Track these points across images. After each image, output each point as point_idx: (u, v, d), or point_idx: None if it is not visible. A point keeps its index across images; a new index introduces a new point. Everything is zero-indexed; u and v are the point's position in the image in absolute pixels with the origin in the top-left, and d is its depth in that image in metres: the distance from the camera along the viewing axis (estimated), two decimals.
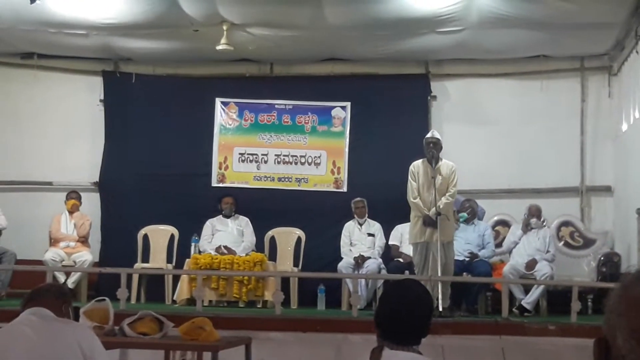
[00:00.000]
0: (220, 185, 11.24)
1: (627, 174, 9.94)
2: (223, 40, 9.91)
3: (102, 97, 11.39)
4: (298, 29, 9.96)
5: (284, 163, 11.28)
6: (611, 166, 10.71)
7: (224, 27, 9.82)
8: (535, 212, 9.83)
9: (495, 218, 10.55)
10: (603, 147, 10.80)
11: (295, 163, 11.27)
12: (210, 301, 9.71)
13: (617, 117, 10.36)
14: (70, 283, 9.79)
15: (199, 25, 9.78)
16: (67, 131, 11.35)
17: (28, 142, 11.26)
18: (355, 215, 10.51)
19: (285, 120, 11.32)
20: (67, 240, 10.24)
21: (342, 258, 10.21)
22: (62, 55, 11.10)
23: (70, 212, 10.43)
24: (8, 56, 11.21)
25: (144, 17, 9.55)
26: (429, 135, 9.15)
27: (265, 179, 11.27)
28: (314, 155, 11.26)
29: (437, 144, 9.02)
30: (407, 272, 9.45)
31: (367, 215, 10.50)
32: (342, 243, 10.39)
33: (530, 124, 10.94)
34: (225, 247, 10.22)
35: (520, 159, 10.88)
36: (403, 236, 9.98)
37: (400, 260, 9.97)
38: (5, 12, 9.34)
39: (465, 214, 9.95)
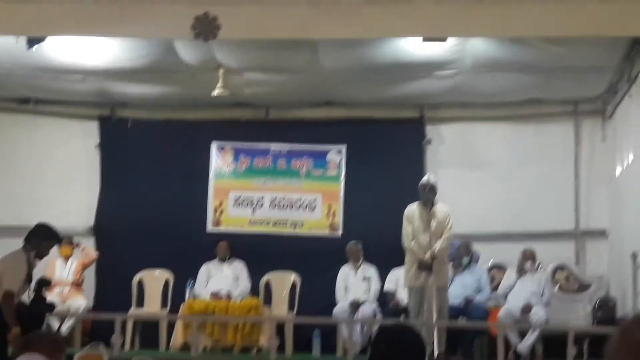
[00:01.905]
0: (216, 229, 11.25)
1: (622, 218, 9.96)
2: (219, 85, 9.97)
3: (98, 142, 11.43)
4: (294, 73, 10.05)
5: (279, 207, 11.28)
6: (606, 210, 10.72)
7: (220, 72, 9.87)
8: (529, 256, 9.83)
9: (491, 262, 10.53)
10: (597, 191, 10.83)
11: (291, 207, 11.27)
12: (205, 347, 9.66)
13: (611, 161, 10.40)
14: (64, 329, 9.75)
15: (195, 70, 9.83)
16: (63, 176, 11.35)
17: (24, 187, 11.25)
18: (350, 260, 10.50)
19: (280, 164, 11.35)
20: (62, 285, 10.21)
21: (337, 303, 10.19)
22: (59, 100, 11.16)
23: (65, 258, 10.42)
24: (5, 101, 11.22)
25: (141, 62, 9.61)
26: (424, 179, 9.20)
27: (260, 223, 11.26)
28: (309, 199, 11.27)
29: (432, 189, 9.08)
30: (402, 316, 9.43)
31: (362, 259, 10.49)
32: (337, 287, 10.37)
33: (525, 168, 10.99)
34: (220, 294, 10.20)
35: (515, 203, 10.89)
36: (399, 280, 9.96)
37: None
38: (2, 57, 9.38)
39: (467, 259, 9.96)
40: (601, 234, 10.79)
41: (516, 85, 10.21)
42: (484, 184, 11.01)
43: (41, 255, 7.62)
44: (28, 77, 10.12)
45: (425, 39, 8.43)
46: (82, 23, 8.18)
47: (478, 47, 9.06)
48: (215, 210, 11.30)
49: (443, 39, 8.54)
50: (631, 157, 9.40)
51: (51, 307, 8.05)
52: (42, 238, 7.59)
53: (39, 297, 7.60)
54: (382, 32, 8.54)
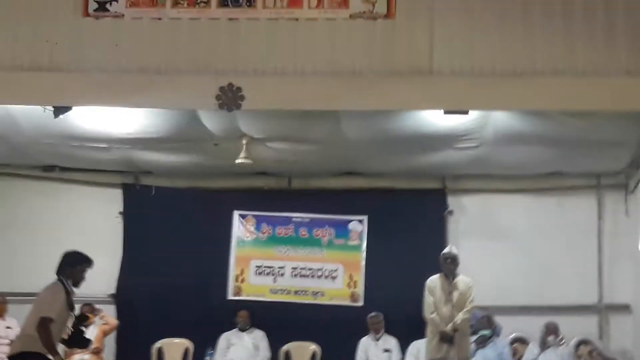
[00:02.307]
0: (236, 298, 11.23)
1: None
2: (242, 154, 10.01)
3: (121, 210, 11.51)
4: (316, 143, 10.09)
5: (300, 276, 11.29)
6: (630, 284, 10.61)
7: (244, 141, 9.93)
8: (552, 330, 9.73)
9: (513, 335, 10.42)
10: (621, 265, 10.75)
11: (312, 276, 11.27)
12: None
13: (635, 235, 10.34)
14: None
15: (219, 140, 9.91)
16: (85, 243, 11.05)
17: (46, 254, 11.23)
18: (371, 331, 10.42)
19: (302, 233, 11.37)
20: (82, 353, 10.17)
21: None
22: (84, 168, 11.26)
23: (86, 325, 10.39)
24: (30, 169, 11.35)
25: (165, 132, 9.69)
26: (446, 251, 9.18)
27: (281, 292, 11.26)
28: (330, 269, 11.27)
29: (454, 260, 9.07)
30: None
31: (383, 330, 10.42)
32: (357, 359, 10.28)
33: (547, 240, 10.95)
34: None
35: (537, 275, 10.84)
36: (420, 352, 9.89)
37: None
38: (28, 126, 9.49)
39: (488, 332, 9.86)
40: (625, 308, 10.68)
41: (538, 158, 10.20)
42: (506, 256, 10.98)
43: (77, 281, 7.58)
44: (54, 145, 10.22)
45: (446, 112, 8.50)
46: (108, 93, 8.27)
47: (500, 119, 9.07)
48: (236, 279, 11.31)
49: (464, 112, 8.60)
50: None
51: (88, 342, 7.98)
52: (74, 263, 7.58)
53: (77, 332, 7.55)
54: (403, 105, 8.59)
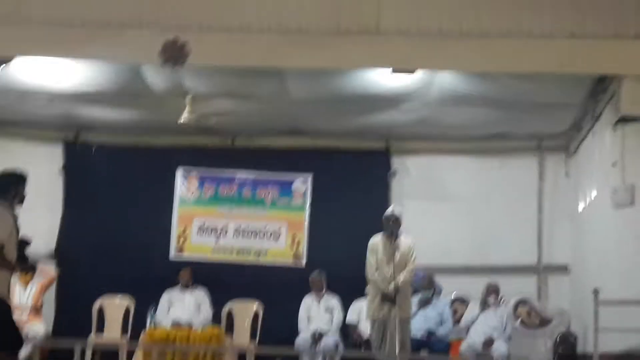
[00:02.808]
0: (179, 256, 11.18)
1: (584, 254, 10.05)
2: (186, 112, 9.95)
3: (62, 166, 11.35)
4: (261, 101, 10.03)
5: (243, 235, 11.25)
6: (568, 245, 10.81)
7: (187, 98, 9.85)
8: (493, 291, 9.88)
9: (454, 295, 10.54)
10: (560, 226, 10.92)
11: (255, 236, 11.25)
12: None
13: (574, 197, 10.51)
14: (22, 355, 9.58)
15: (163, 96, 9.79)
16: (26, 199, 11.19)
17: None
18: (313, 290, 10.46)
19: (246, 192, 11.34)
20: (20, 310, 10.04)
21: (300, 333, 10.14)
22: (23, 122, 11.03)
23: (25, 283, 10.27)
24: None
25: (107, 87, 9.56)
26: (388, 211, 9.14)
27: (224, 251, 11.23)
28: (273, 228, 11.26)
29: (397, 221, 9.01)
30: (364, 348, 9.40)
31: (325, 289, 10.46)
32: (300, 318, 10.33)
33: (489, 202, 11.08)
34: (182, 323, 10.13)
35: (478, 236, 10.98)
36: (362, 311, 9.94)
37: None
38: None
39: (429, 291, 10.00)
40: (563, 269, 10.86)
41: (482, 120, 10.28)
42: (448, 217, 11.08)
43: (22, 200, 7.40)
44: None
45: (394, 71, 8.51)
46: (51, 45, 8.21)
47: (445, 80, 9.12)
48: (179, 237, 11.25)
49: (411, 71, 8.62)
50: (594, 193, 9.49)
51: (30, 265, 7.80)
52: (18, 182, 7.38)
53: (22, 255, 7.40)
54: (350, 64, 8.62)
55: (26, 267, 7.63)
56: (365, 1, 8.09)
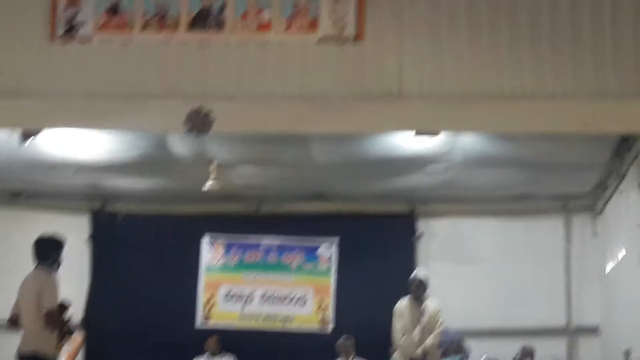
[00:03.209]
0: (206, 324, 11.15)
1: (614, 315, 9.92)
2: (211, 179, 9.99)
3: (89, 236, 11.43)
4: (285, 167, 10.08)
5: (269, 302, 11.25)
6: (598, 306, 10.69)
7: (212, 166, 9.89)
8: (528, 353, 9.74)
9: (483, 358, 10.40)
10: (589, 287, 10.82)
11: (281, 302, 11.23)
12: None
13: (602, 257, 10.42)
14: None
15: (188, 164, 9.84)
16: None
17: (12, 282, 11.10)
18: (341, 355, 10.36)
19: (271, 258, 11.33)
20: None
21: None
22: (51, 194, 11.14)
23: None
24: None
25: (133, 156, 9.62)
26: (413, 274, 9.19)
27: (250, 318, 11.21)
28: (300, 294, 11.24)
29: (422, 284, 9.06)
30: None
31: (354, 354, 10.38)
32: None
33: (516, 263, 11.01)
34: None
35: (506, 298, 10.88)
36: None
37: None
38: None
39: (459, 356, 9.87)
40: (593, 330, 10.72)
41: (506, 181, 10.28)
42: (475, 279, 11.02)
43: (59, 265, 7.48)
44: (20, 171, 10.12)
45: (417, 133, 8.51)
46: (76, 117, 8.17)
47: (468, 142, 9.11)
48: (206, 305, 11.24)
49: (434, 133, 8.61)
50: (622, 253, 9.39)
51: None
52: (57, 247, 7.44)
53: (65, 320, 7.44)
54: (372, 127, 8.60)
55: (69, 331, 7.68)
56: (387, 64, 8.09)
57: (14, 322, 7.55)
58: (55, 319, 6.98)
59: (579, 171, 9.88)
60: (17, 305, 7.54)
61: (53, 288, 7.17)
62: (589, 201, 10.89)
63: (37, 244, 7.54)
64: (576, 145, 9.04)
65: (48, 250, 7.41)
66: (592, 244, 10.87)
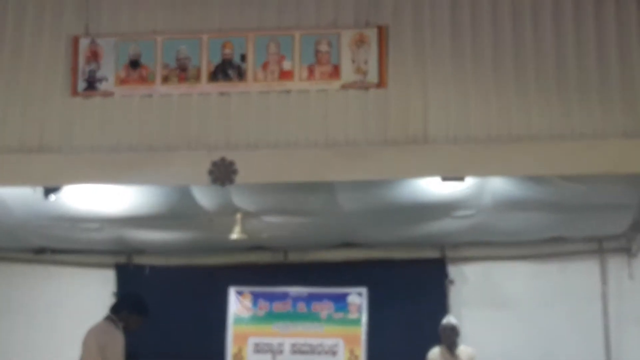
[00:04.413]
0: None
1: None
2: (237, 230, 9.90)
3: (115, 290, 11.33)
4: (311, 215, 9.96)
5: (300, 353, 11.03)
6: (638, 350, 10.35)
7: (238, 216, 9.80)
8: None
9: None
10: (628, 331, 10.54)
11: (312, 352, 11.02)
12: None
13: None
14: None
15: (213, 216, 9.77)
16: (79, 325, 11.09)
17: (39, 337, 11.10)
18: None
19: (300, 308, 11.18)
20: None
21: None
22: (75, 250, 11.13)
23: None
24: (20, 252, 11.22)
25: (158, 209, 9.54)
26: (444, 321, 9.19)
27: None
28: (330, 344, 11.02)
29: (453, 330, 9.06)
30: None
31: None
32: None
33: (551, 308, 10.79)
34: None
35: (541, 344, 10.64)
36: None
37: None
38: (19, 208, 9.36)
39: None
40: None
41: (538, 224, 10.09)
42: (509, 324, 10.80)
43: (128, 329, 7.32)
44: (44, 227, 10.09)
45: (443, 179, 8.37)
46: (99, 172, 8.13)
47: (497, 186, 8.94)
48: (235, 358, 11.04)
49: (461, 179, 8.48)
50: None
51: None
52: (133, 310, 7.28)
53: None
54: (399, 174, 8.47)
55: None
56: (412, 110, 7.99)
57: None
58: None
59: (612, 212, 9.65)
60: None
61: (119, 348, 7.04)
62: (624, 242, 10.64)
63: (124, 297, 7.42)
64: (608, 186, 8.82)
65: (122, 306, 7.27)
66: (629, 286, 10.59)
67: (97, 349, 7.21)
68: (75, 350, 10.85)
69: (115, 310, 7.38)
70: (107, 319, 7.40)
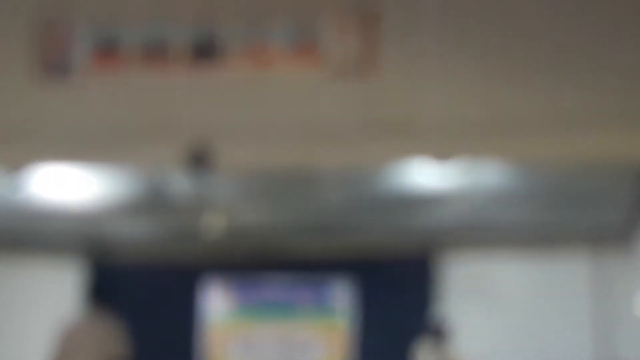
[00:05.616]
0: None
1: None
2: (214, 220, 9.63)
3: (81, 286, 10.98)
4: (294, 205, 9.75)
5: (280, 348, 10.84)
6: (630, 345, 10.26)
7: (215, 206, 9.50)
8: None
9: None
10: (620, 325, 10.47)
11: (292, 348, 10.84)
12: None
13: (633, 293, 10.16)
14: None
15: (189, 205, 9.48)
16: (47, 324, 10.87)
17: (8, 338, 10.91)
18: None
19: (280, 302, 10.96)
20: None
21: None
22: (42, 241, 10.83)
23: None
24: None
25: (130, 199, 9.29)
26: (433, 318, 9.30)
27: None
28: (311, 339, 10.85)
29: (442, 329, 9.09)
30: None
31: None
32: None
33: (542, 302, 10.70)
34: None
35: (532, 340, 10.55)
36: None
37: None
38: None
39: None
40: None
41: (529, 216, 9.92)
42: (498, 320, 10.67)
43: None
44: (7, 220, 9.84)
45: (432, 162, 8.13)
46: (71, 158, 7.94)
47: (488, 178, 8.72)
48: (213, 355, 10.82)
49: (450, 163, 8.25)
50: None
51: None
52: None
53: None
54: (386, 160, 8.23)
55: None
56: (401, 96, 7.75)
57: None
58: None
59: (605, 204, 9.50)
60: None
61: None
62: (618, 235, 10.49)
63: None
64: (601, 177, 8.65)
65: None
66: (621, 280, 10.52)
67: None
68: (36, 347, 10.70)
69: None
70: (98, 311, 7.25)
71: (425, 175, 8.55)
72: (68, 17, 7.78)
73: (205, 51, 7.69)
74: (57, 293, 11.10)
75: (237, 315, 10.96)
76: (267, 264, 11.09)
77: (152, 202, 9.41)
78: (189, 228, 10.24)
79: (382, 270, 10.82)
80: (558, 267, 10.76)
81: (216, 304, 10.98)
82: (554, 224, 10.38)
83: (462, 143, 7.92)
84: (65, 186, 8.95)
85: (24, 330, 10.88)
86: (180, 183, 8.89)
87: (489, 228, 10.42)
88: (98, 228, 10.44)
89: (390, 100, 8.00)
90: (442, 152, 7.97)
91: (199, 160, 7.69)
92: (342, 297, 10.89)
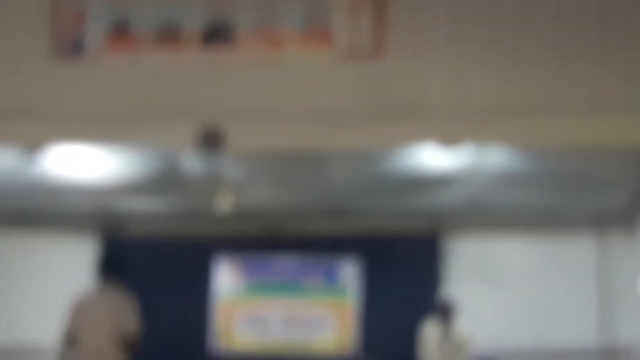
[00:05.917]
0: (222, 350, 10.83)
1: None
2: (224, 199, 9.68)
3: (95, 260, 11.07)
4: (303, 186, 9.77)
5: (288, 325, 10.91)
6: (634, 326, 10.26)
7: (226, 185, 9.59)
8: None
9: None
10: (624, 306, 10.44)
11: (301, 325, 10.90)
12: None
13: (637, 274, 10.08)
14: None
15: (200, 184, 9.56)
16: (62, 294, 10.91)
17: (17, 305, 10.95)
18: None
19: (289, 280, 11.01)
20: None
21: None
22: (57, 218, 10.90)
23: None
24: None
25: (143, 177, 9.34)
26: (439, 297, 9.18)
27: (269, 343, 10.86)
28: (320, 317, 10.90)
29: (450, 307, 9.01)
30: None
31: None
32: None
33: (547, 283, 10.69)
34: None
35: (537, 320, 10.57)
36: None
37: None
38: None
39: None
40: (629, 351, 10.31)
41: (535, 198, 9.93)
42: (504, 299, 10.68)
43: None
44: (24, 192, 9.82)
45: (439, 147, 8.19)
46: (84, 137, 7.98)
47: (495, 159, 8.74)
48: (221, 330, 10.90)
49: (458, 147, 8.31)
50: None
51: None
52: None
53: None
54: (393, 142, 8.27)
55: None
56: (408, 79, 7.76)
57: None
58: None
59: (610, 187, 9.53)
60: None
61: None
62: (622, 217, 10.51)
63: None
64: (607, 160, 8.68)
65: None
66: (626, 261, 10.49)
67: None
68: (52, 320, 10.76)
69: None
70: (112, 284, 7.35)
71: (433, 157, 8.59)
72: None
73: (217, 33, 7.70)
74: (72, 267, 11.07)
75: (247, 292, 11.03)
76: (277, 243, 11.14)
77: (165, 180, 9.46)
78: (200, 206, 10.30)
79: (389, 249, 10.84)
80: (563, 248, 10.75)
81: (226, 280, 11.05)
82: (560, 206, 10.38)
83: (470, 126, 7.91)
84: (80, 164, 9.03)
85: (40, 304, 10.92)
86: (192, 162, 8.96)
87: (496, 210, 10.44)
88: (112, 205, 10.51)
89: (399, 83, 8.00)
90: (449, 134, 7.98)
91: (210, 140, 7.71)
92: (350, 275, 10.95)
